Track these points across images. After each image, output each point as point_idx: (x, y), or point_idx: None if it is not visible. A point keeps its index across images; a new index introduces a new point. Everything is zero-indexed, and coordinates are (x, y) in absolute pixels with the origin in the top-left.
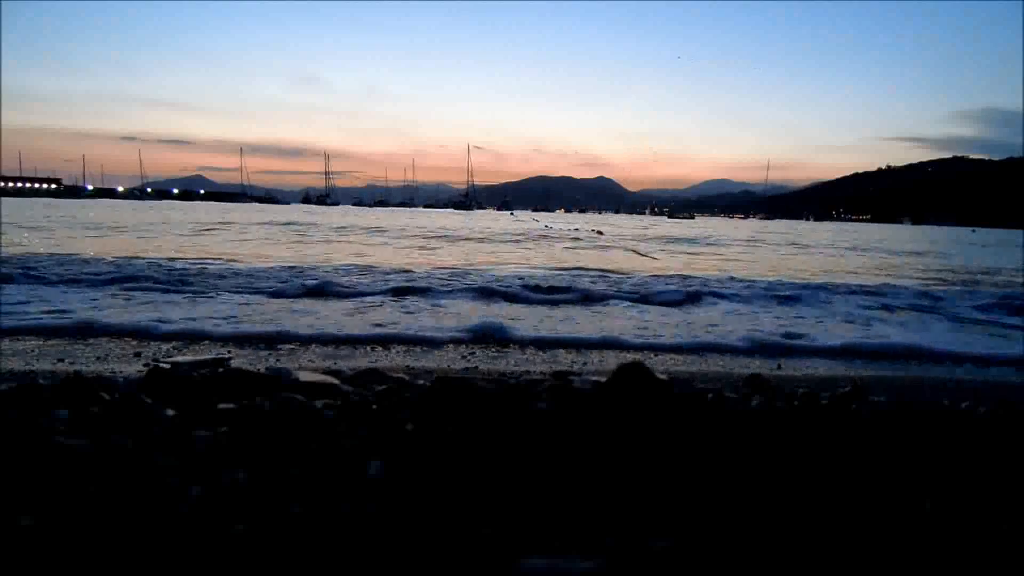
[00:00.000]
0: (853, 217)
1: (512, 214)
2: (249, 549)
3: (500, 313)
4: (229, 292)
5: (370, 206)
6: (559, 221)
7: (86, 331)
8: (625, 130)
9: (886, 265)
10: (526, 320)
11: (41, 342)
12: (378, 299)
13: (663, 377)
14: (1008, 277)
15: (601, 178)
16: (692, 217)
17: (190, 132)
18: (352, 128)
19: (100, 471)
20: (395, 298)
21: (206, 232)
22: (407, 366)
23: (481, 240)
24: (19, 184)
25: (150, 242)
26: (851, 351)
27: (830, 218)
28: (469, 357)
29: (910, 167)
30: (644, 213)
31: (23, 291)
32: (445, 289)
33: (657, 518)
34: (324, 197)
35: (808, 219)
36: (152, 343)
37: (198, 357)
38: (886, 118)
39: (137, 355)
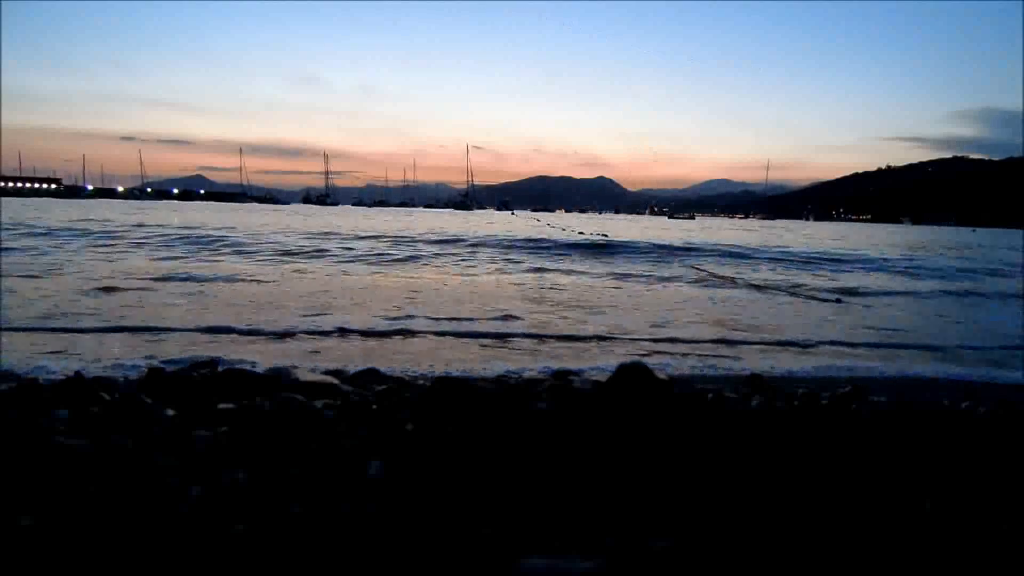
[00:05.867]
0: (853, 217)
1: (513, 214)
2: (249, 549)
3: None
4: None
5: (369, 206)
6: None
7: None
8: (625, 130)
9: None
10: None
11: None
12: None
13: (663, 377)
14: None
15: (601, 178)
16: (692, 217)
17: (190, 132)
18: (352, 128)
19: (100, 471)
20: None
21: None
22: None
23: None
24: (19, 184)
25: None
26: None
27: (830, 218)
28: None
29: (910, 167)
30: (644, 213)
31: None
32: None
33: (657, 518)
34: (324, 197)
35: (808, 219)
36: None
37: (198, 357)
38: (886, 118)
39: (137, 354)
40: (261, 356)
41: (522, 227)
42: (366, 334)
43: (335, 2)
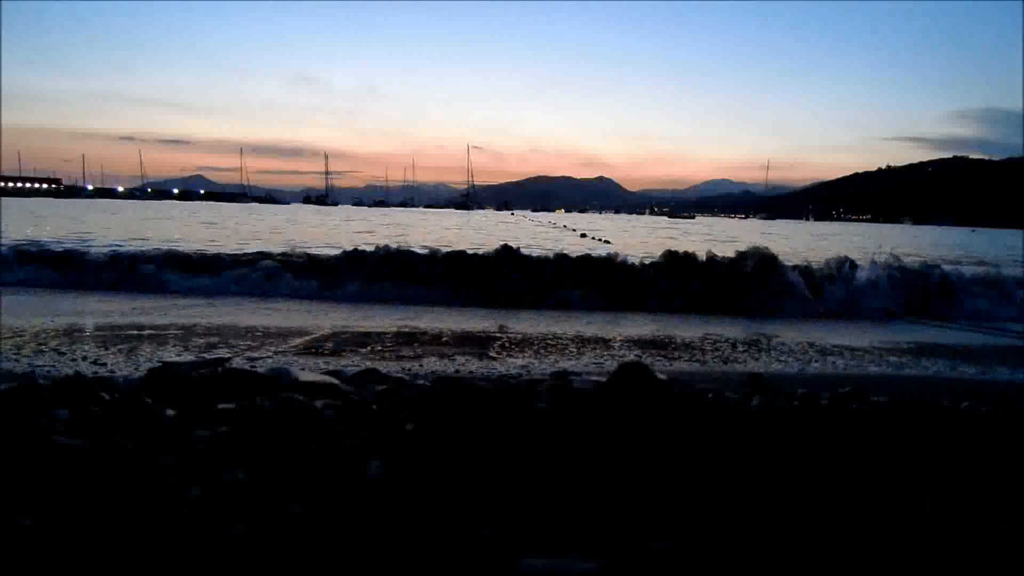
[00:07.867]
0: (853, 217)
1: (512, 214)
2: (249, 549)
3: None
4: None
5: (369, 206)
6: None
7: None
8: (625, 130)
9: None
10: None
11: None
12: None
13: (663, 377)
14: None
15: (601, 178)
16: (692, 217)
17: (190, 132)
18: (351, 128)
19: (100, 471)
20: None
21: None
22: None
23: None
24: (19, 184)
25: None
26: None
27: (830, 218)
28: None
29: (910, 167)
30: (644, 213)
31: None
32: None
33: (657, 519)
34: (323, 198)
35: (808, 219)
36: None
37: (198, 357)
38: (886, 118)
39: (137, 354)
40: (261, 357)
41: (579, 240)
42: None
43: (335, 2)
